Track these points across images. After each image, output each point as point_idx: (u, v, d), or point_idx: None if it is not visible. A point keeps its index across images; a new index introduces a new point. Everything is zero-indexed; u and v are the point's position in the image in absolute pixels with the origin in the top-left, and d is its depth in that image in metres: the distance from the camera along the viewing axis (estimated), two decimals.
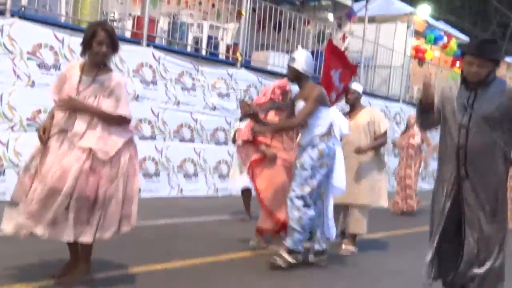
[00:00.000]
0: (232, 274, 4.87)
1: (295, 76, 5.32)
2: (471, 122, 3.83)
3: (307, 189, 5.11)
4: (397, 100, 15.27)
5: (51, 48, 7.91)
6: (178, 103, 9.58)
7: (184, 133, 9.71)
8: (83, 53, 4.05)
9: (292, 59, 5.31)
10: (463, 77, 3.93)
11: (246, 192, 7.58)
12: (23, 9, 7.88)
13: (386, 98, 15.08)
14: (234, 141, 7.28)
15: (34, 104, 7.66)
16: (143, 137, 9.07)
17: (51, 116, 4.01)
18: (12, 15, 7.62)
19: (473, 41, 4.01)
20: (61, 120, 3.92)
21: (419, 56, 16.91)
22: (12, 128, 7.48)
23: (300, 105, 5.23)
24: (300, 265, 5.31)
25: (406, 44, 15.51)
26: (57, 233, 3.82)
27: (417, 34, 16.73)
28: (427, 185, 15.09)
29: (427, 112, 4.04)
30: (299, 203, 5.09)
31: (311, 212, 5.15)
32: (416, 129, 9.94)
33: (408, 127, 10.28)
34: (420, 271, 4.16)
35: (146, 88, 9.11)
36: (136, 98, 8.95)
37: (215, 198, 9.79)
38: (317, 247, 5.41)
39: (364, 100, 13.45)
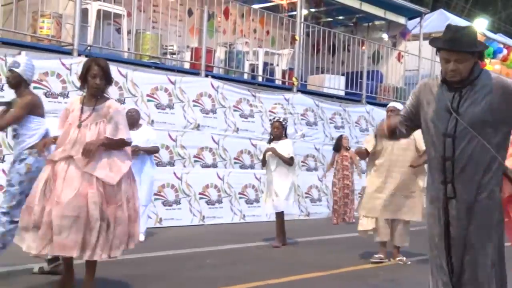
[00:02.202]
0: None
1: (17, 82, 4.96)
2: (458, 129, 3.19)
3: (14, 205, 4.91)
4: None
5: (116, 83, 8.29)
6: (237, 130, 9.82)
7: (244, 159, 9.91)
8: (81, 87, 4.44)
9: (17, 64, 4.95)
10: (443, 77, 3.28)
11: (277, 217, 7.53)
12: (89, 48, 8.34)
13: None
14: (263, 164, 7.53)
15: None
16: (205, 165, 9.33)
17: (55, 140, 4.44)
18: (79, 54, 8.08)
19: (445, 32, 3.25)
20: (67, 147, 4.26)
21: None
22: None
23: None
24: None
25: None
26: (80, 253, 4.15)
27: None
28: None
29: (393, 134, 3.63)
30: (5, 219, 4.89)
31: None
32: None
33: None
34: None
35: (206, 116, 9.39)
36: (197, 127, 9.24)
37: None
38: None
39: None
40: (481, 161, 3.15)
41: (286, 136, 7.56)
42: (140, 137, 7.26)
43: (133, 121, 7.36)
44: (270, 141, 7.54)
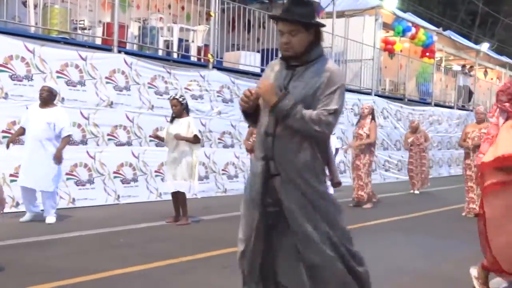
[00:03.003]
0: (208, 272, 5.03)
1: None
2: None
3: None
4: (370, 93, 15.53)
5: (23, 59, 7.96)
6: (152, 107, 9.69)
7: None
8: None
9: None
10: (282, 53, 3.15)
11: (174, 195, 7.45)
12: None
13: (359, 92, 15.34)
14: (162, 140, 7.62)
15: (8, 116, 7.72)
16: (119, 143, 9.16)
17: None
18: None
19: (284, 4, 3.12)
20: None
21: (388, 48, 17.19)
22: None
23: None
24: None
25: (375, 37, 15.77)
26: None
27: (386, 26, 17.00)
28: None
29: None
30: None
31: None
32: (367, 120, 9.74)
33: (360, 117, 10.06)
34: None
35: (119, 94, 9.19)
36: (111, 104, 9.03)
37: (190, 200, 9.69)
38: None
39: None
40: (303, 143, 3.03)
41: (187, 113, 7.39)
42: (46, 118, 7.03)
43: (43, 99, 7.13)
44: (172, 120, 7.39)
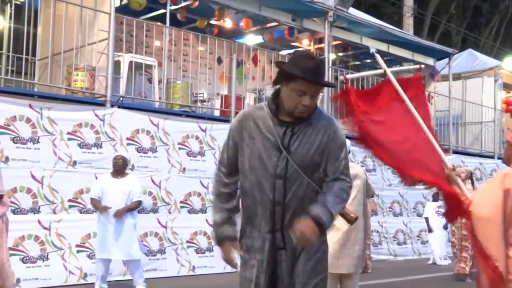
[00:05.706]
0: None
1: None
2: (289, 170, 2.78)
3: None
4: (492, 157, 14.77)
5: (148, 132, 8.42)
6: None
7: None
8: None
9: None
10: (275, 108, 2.85)
11: None
12: (121, 99, 8.51)
13: (480, 155, 14.65)
14: None
15: None
16: None
17: None
18: (112, 105, 8.24)
19: (305, 60, 2.74)
20: None
21: (510, 109, 16.35)
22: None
23: None
24: None
25: (495, 98, 15.13)
26: None
27: (506, 87, 16.29)
28: None
29: None
30: None
31: None
32: (468, 185, 8.34)
33: None
34: None
35: None
36: None
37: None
38: None
39: (457, 158, 13.24)
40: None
41: None
42: (122, 187, 6.94)
43: (118, 168, 7.05)
44: None
